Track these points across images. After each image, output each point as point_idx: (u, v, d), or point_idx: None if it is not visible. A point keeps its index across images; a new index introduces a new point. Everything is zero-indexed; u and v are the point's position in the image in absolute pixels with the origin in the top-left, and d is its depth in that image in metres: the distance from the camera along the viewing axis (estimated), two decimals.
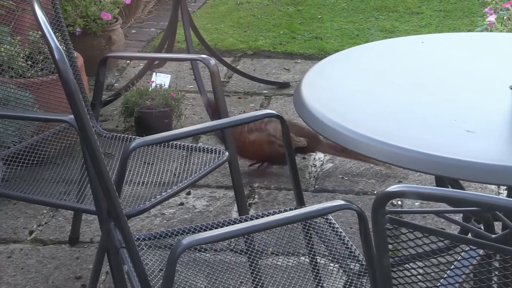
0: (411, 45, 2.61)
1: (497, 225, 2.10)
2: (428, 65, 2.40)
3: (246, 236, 2.15)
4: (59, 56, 1.78)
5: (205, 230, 2.08)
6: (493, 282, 1.39)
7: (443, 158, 1.79)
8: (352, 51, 2.59)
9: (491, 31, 3.86)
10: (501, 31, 3.79)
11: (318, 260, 2.15)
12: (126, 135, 2.77)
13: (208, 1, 5.97)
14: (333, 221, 2.17)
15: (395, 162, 1.88)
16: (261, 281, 1.97)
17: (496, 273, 1.40)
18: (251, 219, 2.10)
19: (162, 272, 1.95)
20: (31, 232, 3.08)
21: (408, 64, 2.42)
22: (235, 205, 3.08)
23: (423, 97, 2.18)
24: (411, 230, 1.37)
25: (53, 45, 1.80)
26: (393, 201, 3.18)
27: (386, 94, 2.20)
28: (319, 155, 3.66)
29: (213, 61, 2.62)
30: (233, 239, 2.73)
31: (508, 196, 2.67)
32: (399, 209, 3.16)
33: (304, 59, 4.86)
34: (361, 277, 1.97)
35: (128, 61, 4.84)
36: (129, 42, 5.08)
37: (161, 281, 1.88)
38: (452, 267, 1.45)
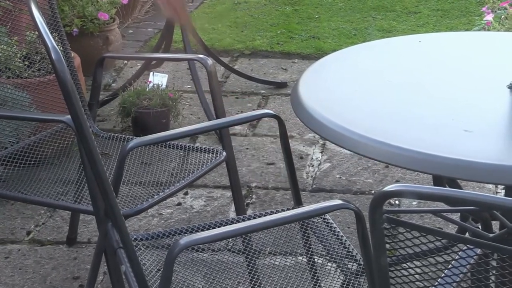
0: (408, 44, 2.61)
1: (495, 224, 2.10)
2: (426, 64, 2.40)
3: (243, 236, 2.14)
4: (56, 57, 1.77)
5: (202, 230, 2.08)
6: (491, 281, 1.39)
7: (441, 157, 1.79)
8: (350, 50, 2.59)
9: (488, 30, 3.86)
10: (498, 30, 3.79)
11: (316, 260, 2.14)
12: (124, 135, 2.77)
13: (206, 1, 5.96)
14: (331, 221, 2.16)
15: (393, 161, 1.87)
16: (259, 281, 1.96)
17: (494, 272, 1.40)
18: (249, 219, 2.10)
19: (160, 272, 1.95)
20: (28, 233, 3.08)
21: (405, 64, 2.41)
22: (233, 205, 3.07)
23: (421, 96, 2.18)
24: (409, 230, 1.37)
25: (50, 45, 1.79)
26: (391, 201, 3.17)
27: (384, 94, 2.20)
28: (317, 155, 3.66)
29: (210, 61, 2.62)
30: (230, 239, 2.73)
31: (505, 195, 2.66)
32: (396, 208, 3.16)
33: (301, 58, 4.85)
34: (358, 276, 1.96)
35: (126, 61, 4.83)
36: (126, 42, 5.07)
37: (158, 281, 1.88)
38: (450, 266, 1.45)
